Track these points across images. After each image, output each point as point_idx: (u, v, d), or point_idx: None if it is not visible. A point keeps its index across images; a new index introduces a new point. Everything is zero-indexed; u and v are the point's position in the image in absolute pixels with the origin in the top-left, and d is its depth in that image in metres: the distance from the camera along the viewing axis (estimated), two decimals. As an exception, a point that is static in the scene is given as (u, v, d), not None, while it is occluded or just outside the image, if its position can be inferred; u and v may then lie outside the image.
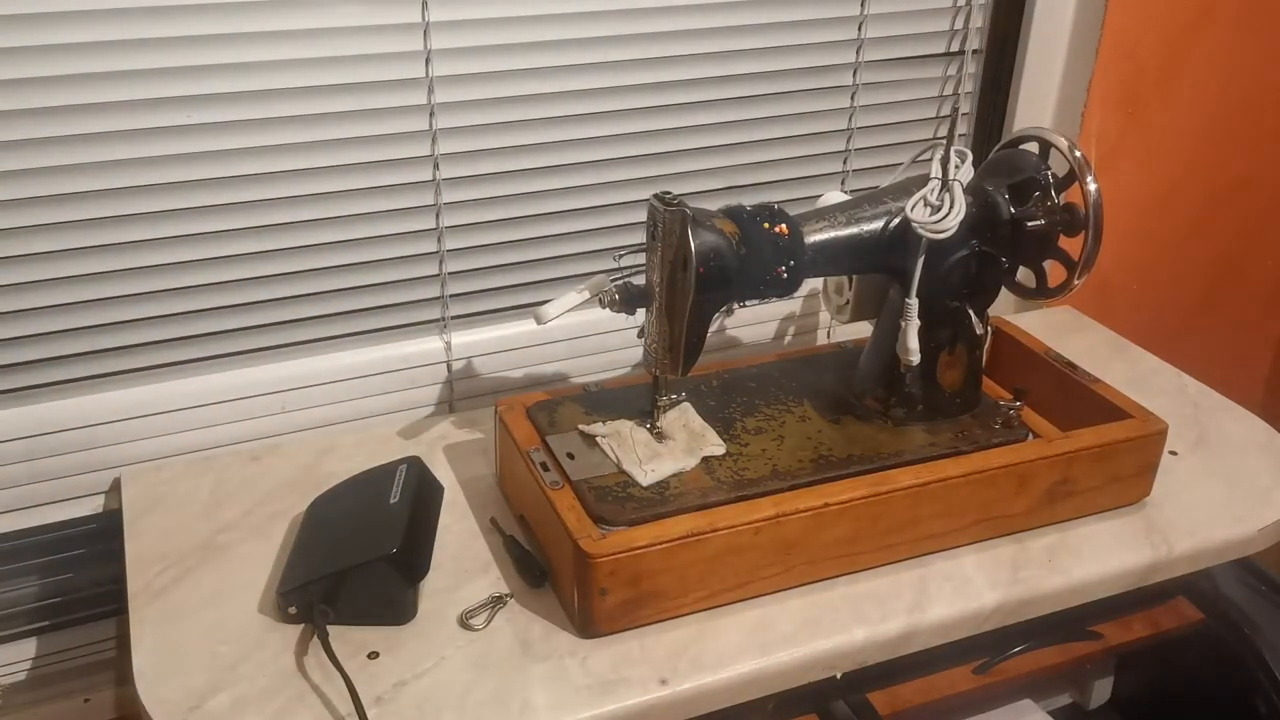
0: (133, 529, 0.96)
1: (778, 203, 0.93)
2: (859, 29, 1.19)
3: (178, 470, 1.04)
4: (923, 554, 0.94)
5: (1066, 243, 0.99)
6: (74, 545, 1.06)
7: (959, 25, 1.24)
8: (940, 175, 0.94)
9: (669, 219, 0.86)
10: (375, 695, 0.79)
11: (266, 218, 1.03)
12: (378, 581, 0.84)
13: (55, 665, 1.09)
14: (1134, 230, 1.43)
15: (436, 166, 1.07)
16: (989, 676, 1.00)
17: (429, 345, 1.14)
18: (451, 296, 1.13)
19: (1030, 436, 1.00)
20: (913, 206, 0.93)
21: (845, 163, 1.26)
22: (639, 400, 0.98)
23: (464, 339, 1.15)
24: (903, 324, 0.97)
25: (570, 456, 0.93)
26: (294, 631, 0.85)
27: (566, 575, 0.85)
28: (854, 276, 1.06)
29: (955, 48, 1.25)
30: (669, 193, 0.87)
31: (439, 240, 1.10)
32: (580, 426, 0.96)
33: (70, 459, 1.03)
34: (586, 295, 0.92)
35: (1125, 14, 1.27)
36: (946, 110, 1.28)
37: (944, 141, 0.94)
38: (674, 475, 0.92)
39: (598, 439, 0.95)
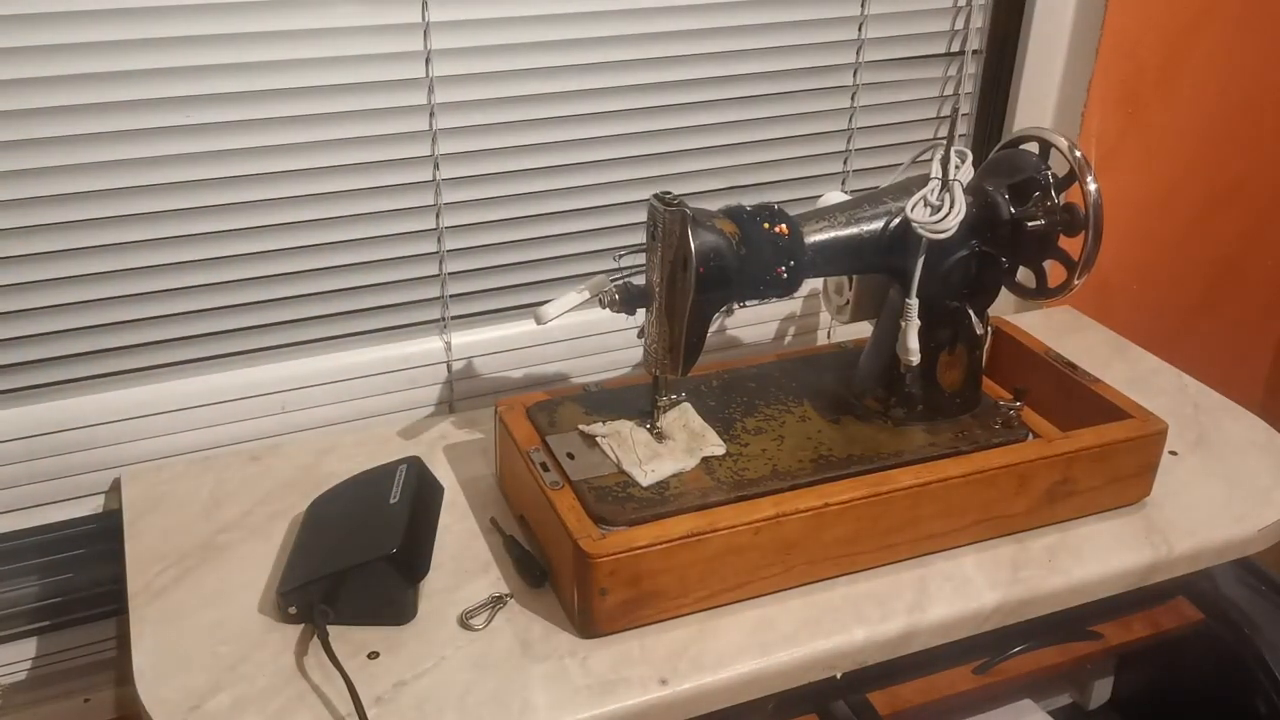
0: (133, 529, 0.96)
1: (778, 203, 0.93)
2: (859, 29, 1.19)
3: (178, 470, 1.04)
4: (923, 554, 0.94)
5: (1066, 243, 0.99)
6: (74, 545, 1.06)
7: (959, 25, 1.24)
8: (940, 175, 0.94)
9: (669, 219, 0.86)
10: (375, 695, 0.79)
11: (267, 218, 1.03)
12: (378, 581, 0.84)
13: (55, 665, 1.09)
14: (1134, 230, 1.43)
15: (437, 166, 1.07)
16: (989, 676, 1.00)
17: (429, 345, 1.14)
18: (452, 296, 1.13)
19: (1030, 436, 1.00)
20: (913, 206, 0.93)
21: (846, 163, 1.26)
22: (639, 400, 0.98)
23: (464, 339, 1.15)
24: (903, 324, 0.97)
25: (570, 456, 0.93)
26: (294, 631, 0.85)
27: (566, 575, 0.85)
28: (854, 276, 1.06)
29: (955, 48, 1.25)
30: (669, 193, 0.87)
31: (439, 240, 1.10)
32: (580, 426, 0.97)
33: (70, 459, 1.03)
34: (586, 295, 0.92)
35: (1125, 14, 1.27)
36: (947, 110, 1.28)
37: (944, 141, 0.94)
38: (674, 475, 0.92)
39: (598, 439, 0.95)
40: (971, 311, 0.99)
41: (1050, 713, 1.11)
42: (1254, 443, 1.11)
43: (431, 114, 1.04)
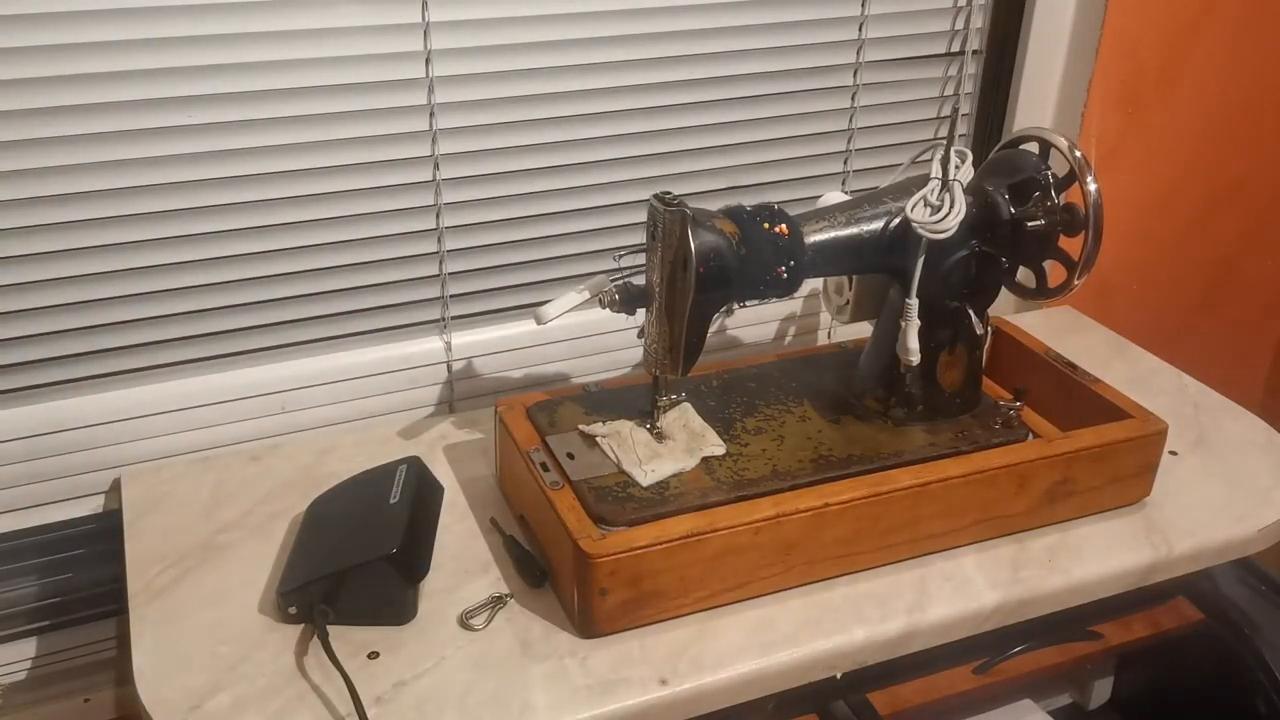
0: (133, 529, 0.96)
1: (778, 203, 0.93)
2: (859, 29, 1.19)
3: (178, 470, 1.04)
4: (923, 554, 0.94)
5: (1066, 243, 0.99)
6: (74, 545, 1.06)
7: (959, 25, 1.24)
8: (940, 175, 0.94)
9: (669, 219, 0.86)
10: (375, 695, 0.79)
11: (267, 218, 1.03)
12: (378, 581, 0.84)
13: (55, 665, 1.09)
14: (1134, 230, 1.43)
15: (437, 167, 1.07)
16: (989, 676, 1.00)
17: (429, 345, 1.14)
18: (452, 297, 1.13)
19: (1030, 436, 1.00)
20: (913, 206, 0.93)
21: (846, 163, 1.26)
22: (639, 400, 0.98)
23: (464, 339, 1.15)
24: (903, 324, 0.97)
25: (570, 456, 0.93)
26: (294, 631, 0.85)
27: (566, 575, 0.85)
28: (854, 276, 1.06)
29: (955, 48, 1.25)
30: (669, 193, 0.87)
31: (439, 240, 1.10)
32: (580, 426, 0.97)
33: (70, 459, 1.03)
34: (586, 295, 0.92)
35: (1125, 14, 1.27)
36: (947, 110, 1.28)
37: (944, 141, 0.94)
38: (674, 475, 0.92)
39: (598, 439, 0.95)
40: (971, 311, 0.99)
41: (1050, 713, 1.11)
42: (1254, 443, 1.11)
43: (431, 114, 1.04)
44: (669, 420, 0.97)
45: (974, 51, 1.26)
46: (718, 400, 1.03)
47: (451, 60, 1.03)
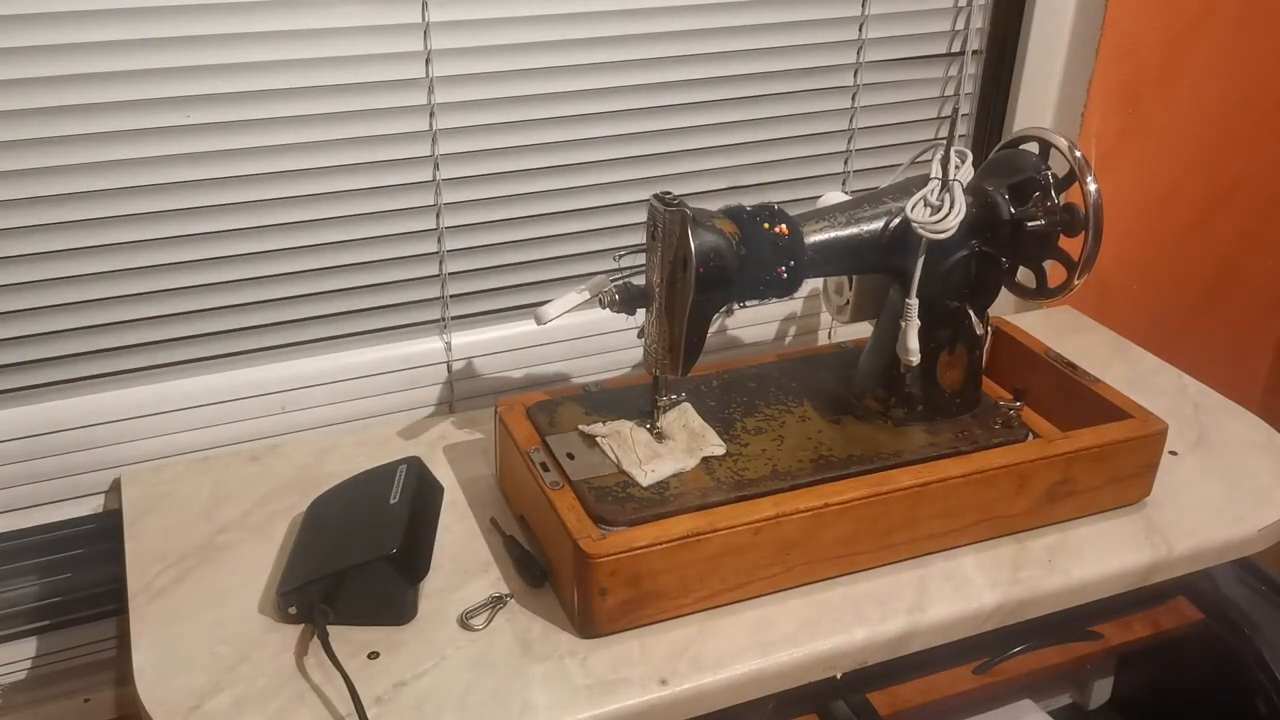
0: (133, 529, 0.96)
1: (778, 203, 0.93)
2: (860, 29, 1.19)
3: (178, 470, 1.04)
4: (923, 554, 0.94)
5: (1066, 243, 0.99)
6: (74, 545, 1.06)
7: (959, 26, 1.24)
8: (940, 175, 0.94)
9: (669, 219, 0.86)
10: (375, 695, 0.79)
11: (267, 218, 1.03)
12: (378, 581, 0.84)
13: (55, 665, 1.09)
14: (1134, 230, 1.43)
15: (437, 167, 1.07)
16: (989, 676, 1.00)
17: (429, 345, 1.14)
18: (452, 297, 1.13)
19: (1030, 436, 1.00)
20: (913, 206, 0.93)
21: (846, 163, 1.26)
22: (639, 400, 0.98)
23: (464, 339, 1.15)
24: (903, 324, 0.97)
25: (570, 456, 0.93)
26: (294, 631, 0.85)
27: (566, 575, 0.85)
28: (854, 276, 1.06)
29: (955, 48, 1.25)
30: (669, 193, 0.87)
31: (439, 240, 1.10)
32: (580, 427, 0.96)
33: (70, 459, 1.03)
34: (586, 295, 0.92)
35: (1125, 14, 1.27)
36: (947, 110, 1.28)
37: (944, 141, 0.94)
38: (674, 475, 0.92)
39: (598, 439, 0.95)
40: (971, 311, 0.99)
41: (1050, 713, 1.11)
42: (1254, 443, 1.11)
43: (431, 114, 1.04)
44: (669, 420, 0.97)
45: (974, 51, 1.26)
46: (718, 400, 1.03)
47: (451, 60, 1.03)
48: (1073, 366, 1.07)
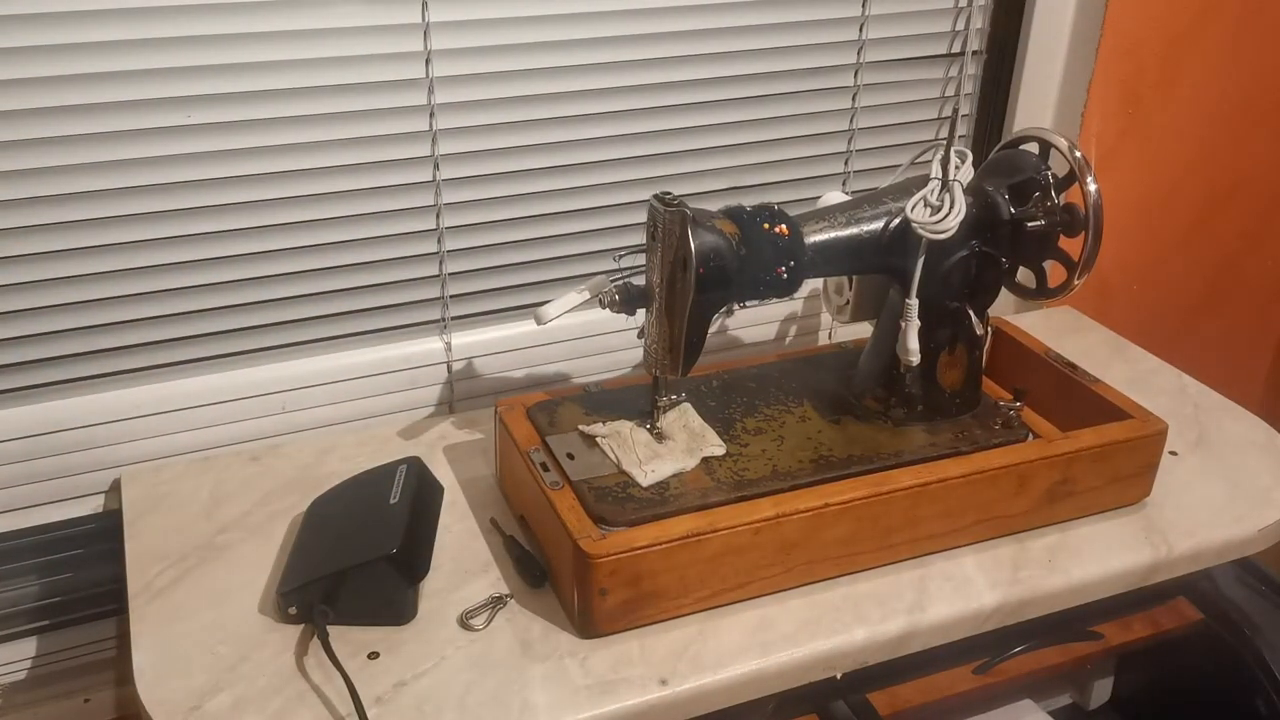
0: (133, 529, 0.96)
1: (778, 203, 0.93)
2: (860, 30, 1.19)
3: (178, 470, 1.04)
4: (923, 554, 0.94)
5: (1066, 243, 0.99)
6: (74, 545, 1.06)
7: (959, 26, 1.24)
8: (940, 175, 0.94)
9: (669, 219, 0.86)
10: (375, 695, 0.79)
11: (267, 218, 1.03)
12: (378, 581, 0.84)
13: (55, 665, 1.09)
14: (1134, 230, 1.43)
15: (437, 167, 1.07)
16: (989, 676, 1.00)
17: (429, 346, 1.14)
18: (452, 297, 1.13)
19: (1030, 436, 1.00)
20: (913, 207, 0.93)
21: (847, 163, 1.26)
22: (639, 400, 0.98)
23: (464, 339, 1.15)
24: (903, 324, 0.97)
25: (570, 457, 0.93)
26: (294, 631, 0.85)
27: (566, 575, 0.85)
28: (854, 277, 1.06)
29: (956, 49, 1.25)
30: (669, 193, 0.87)
31: (439, 241, 1.10)
32: (580, 427, 0.97)
33: (70, 459, 1.03)
34: (587, 296, 0.92)
35: (1125, 14, 1.27)
36: (947, 110, 1.28)
37: (944, 142, 0.94)
38: (674, 475, 0.92)
39: (598, 439, 0.95)
40: (971, 312, 0.99)
41: (1050, 713, 1.11)
42: (1254, 443, 1.11)
43: (432, 114, 1.04)
44: (669, 420, 0.97)
45: (974, 52, 1.27)
46: (718, 400, 1.03)
47: (451, 60, 1.03)
48: (1073, 366, 1.07)
